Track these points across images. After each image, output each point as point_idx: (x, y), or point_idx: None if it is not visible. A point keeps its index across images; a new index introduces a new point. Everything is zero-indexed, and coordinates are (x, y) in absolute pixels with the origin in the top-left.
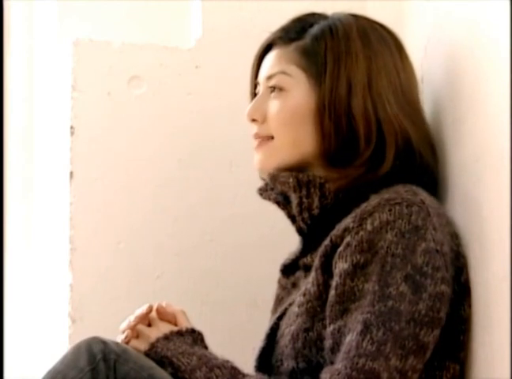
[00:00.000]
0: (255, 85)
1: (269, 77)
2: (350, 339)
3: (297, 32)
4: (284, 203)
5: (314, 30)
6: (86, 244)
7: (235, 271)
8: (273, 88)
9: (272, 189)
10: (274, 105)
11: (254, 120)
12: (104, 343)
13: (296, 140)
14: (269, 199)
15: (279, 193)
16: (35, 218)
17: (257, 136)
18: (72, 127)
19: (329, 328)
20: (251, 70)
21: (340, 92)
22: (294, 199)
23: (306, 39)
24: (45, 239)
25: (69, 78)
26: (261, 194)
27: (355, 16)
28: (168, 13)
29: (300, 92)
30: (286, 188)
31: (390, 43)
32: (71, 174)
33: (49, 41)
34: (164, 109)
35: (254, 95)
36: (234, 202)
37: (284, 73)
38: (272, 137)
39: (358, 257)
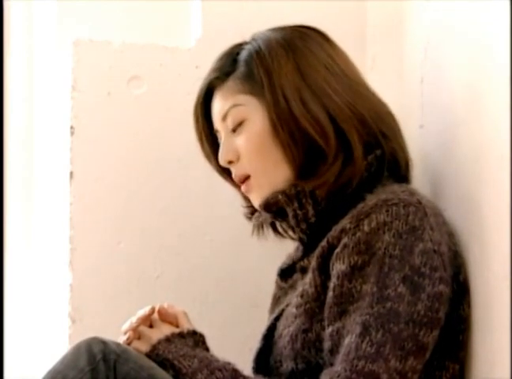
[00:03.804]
0: (212, 135)
1: (224, 117)
2: (349, 341)
3: (229, 65)
4: (281, 217)
5: (243, 56)
6: (86, 244)
7: (235, 271)
8: (235, 126)
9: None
10: (241, 139)
11: (230, 162)
12: (104, 343)
13: (273, 162)
14: (267, 221)
15: (275, 211)
16: (35, 218)
17: (238, 177)
18: (72, 127)
19: (328, 330)
20: (196, 127)
21: (280, 101)
22: (289, 212)
23: (240, 67)
24: (45, 239)
25: (69, 78)
26: (257, 219)
27: (274, 29)
28: (168, 13)
29: (257, 116)
30: (280, 204)
31: (314, 36)
32: (71, 174)
33: (49, 41)
34: (164, 109)
35: (210, 148)
36: (234, 202)
37: (235, 105)
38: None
39: (355, 258)
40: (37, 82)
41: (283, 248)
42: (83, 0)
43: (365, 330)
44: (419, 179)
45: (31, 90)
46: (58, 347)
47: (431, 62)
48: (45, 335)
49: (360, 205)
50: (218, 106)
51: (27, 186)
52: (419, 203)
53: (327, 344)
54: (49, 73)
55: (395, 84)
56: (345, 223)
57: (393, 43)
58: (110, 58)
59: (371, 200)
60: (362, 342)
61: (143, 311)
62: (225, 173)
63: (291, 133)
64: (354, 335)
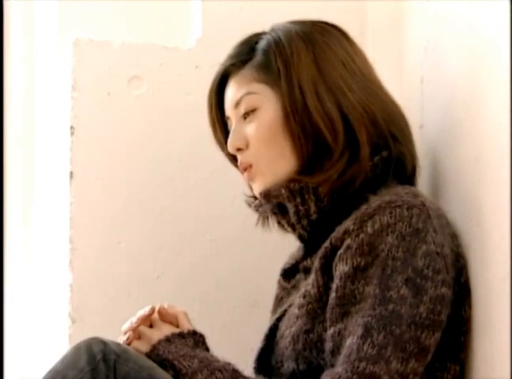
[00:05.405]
0: (224, 122)
1: (237, 104)
2: (351, 342)
3: (247, 53)
4: (281, 213)
5: (261, 45)
6: (86, 244)
7: (235, 271)
8: (246, 114)
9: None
10: (252, 127)
11: (239, 149)
12: (104, 343)
13: (280, 152)
14: (266, 213)
15: (275, 205)
16: (35, 218)
17: (243, 164)
18: (72, 127)
19: (330, 331)
20: (210, 113)
21: (295, 93)
22: (290, 208)
23: (257, 56)
24: (45, 239)
25: (69, 78)
26: (257, 210)
27: (295, 21)
28: (168, 13)
29: (270, 105)
30: (281, 199)
31: (334, 33)
32: (71, 174)
33: (49, 41)
34: (164, 109)
35: (223, 135)
36: (234, 202)
37: (249, 93)
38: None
39: (358, 259)
40: (37, 82)
41: (283, 248)
42: (83, 0)
43: (367, 332)
44: (419, 179)
45: (31, 90)
46: (58, 347)
47: (431, 62)
48: (45, 335)
49: (364, 207)
50: (231, 93)
51: (27, 186)
52: (423, 205)
53: (328, 345)
54: (49, 73)
55: (395, 83)
56: (348, 224)
57: (393, 43)
58: (110, 58)
59: (375, 201)
60: (363, 343)
61: (143, 311)
62: (236, 161)
63: (303, 125)
64: (356, 337)
